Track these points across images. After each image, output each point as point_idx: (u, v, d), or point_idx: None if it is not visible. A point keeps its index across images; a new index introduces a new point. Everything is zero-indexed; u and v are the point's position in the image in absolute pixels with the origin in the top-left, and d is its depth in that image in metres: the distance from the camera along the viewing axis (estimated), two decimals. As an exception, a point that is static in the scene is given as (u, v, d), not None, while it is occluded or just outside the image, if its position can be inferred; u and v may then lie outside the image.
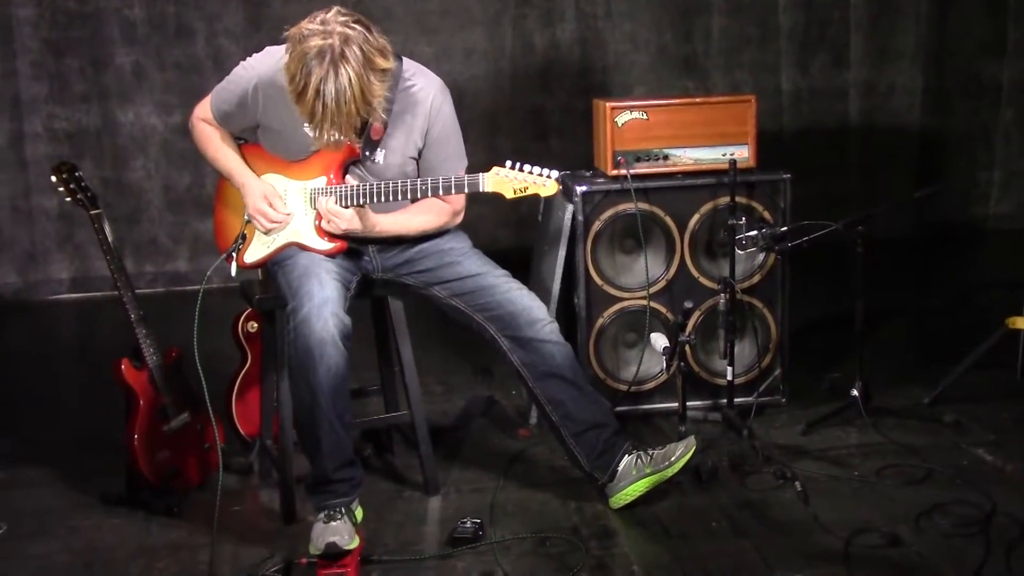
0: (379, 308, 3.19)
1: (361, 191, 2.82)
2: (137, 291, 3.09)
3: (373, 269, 2.98)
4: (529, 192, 2.73)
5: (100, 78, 5.29)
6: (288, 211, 2.88)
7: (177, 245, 5.47)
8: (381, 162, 2.89)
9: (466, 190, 2.79)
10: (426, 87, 2.89)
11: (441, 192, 2.80)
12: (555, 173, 2.71)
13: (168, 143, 5.38)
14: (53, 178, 3.05)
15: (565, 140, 5.52)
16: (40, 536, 2.94)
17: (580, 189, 3.43)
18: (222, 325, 3.34)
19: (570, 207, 3.44)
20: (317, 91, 2.59)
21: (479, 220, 5.20)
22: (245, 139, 3.04)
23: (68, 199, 3.05)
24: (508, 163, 2.74)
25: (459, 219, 3.01)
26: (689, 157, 3.46)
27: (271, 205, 2.87)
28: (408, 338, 3.06)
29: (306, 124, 2.71)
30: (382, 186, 2.80)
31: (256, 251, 2.96)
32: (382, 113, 2.74)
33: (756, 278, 3.52)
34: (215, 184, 3.11)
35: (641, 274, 3.47)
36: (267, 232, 2.91)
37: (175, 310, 4.37)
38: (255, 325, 3.31)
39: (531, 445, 3.39)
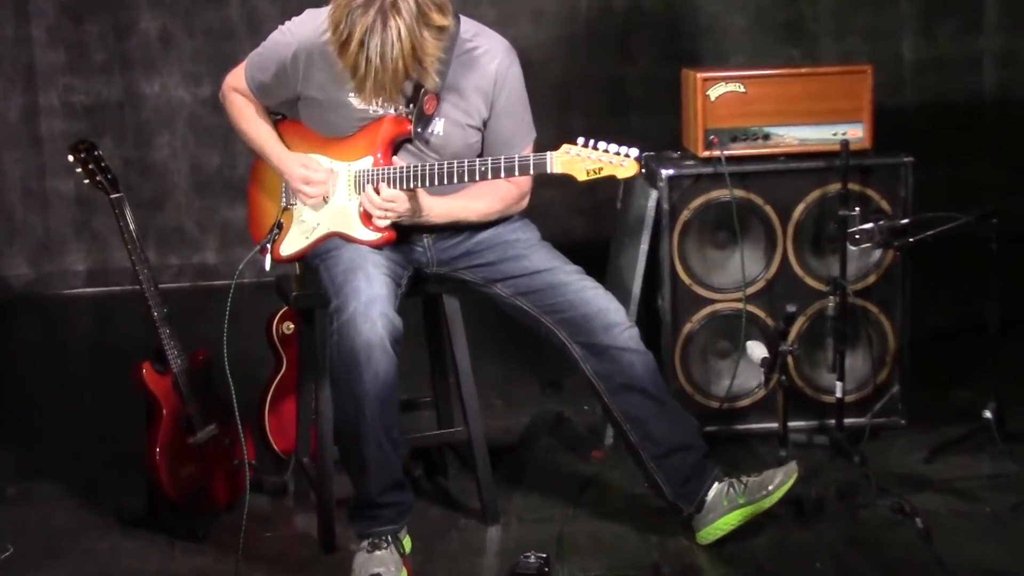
0: (432, 307, 3.19)
1: (411, 173, 2.82)
2: (161, 285, 3.12)
3: (427, 262, 2.99)
4: (604, 173, 2.71)
5: (122, 46, 5.39)
6: (328, 167, 2.89)
7: (205, 234, 5.54)
8: (440, 133, 2.90)
9: (531, 171, 2.78)
10: (491, 49, 2.89)
11: (503, 174, 2.80)
12: (635, 151, 2.70)
13: (197, 118, 5.46)
14: (70, 157, 3.11)
15: (648, 116, 5.48)
16: (50, 559, 2.99)
17: (666, 173, 3.41)
18: (255, 325, 3.38)
19: (654, 193, 3.42)
20: (361, 43, 2.62)
21: (548, 207, 5.19)
22: (283, 115, 3.06)
23: (86, 181, 3.11)
24: (580, 140, 2.73)
25: (525, 203, 3.01)
26: (794, 137, 3.42)
27: (308, 168, 2.89)
28: (465, 343, 3.06)
29: (350, 84, 2.72)
30: (435, 168, 2.81)
31: (294, 242, 2.99)
32: (435, 75, 2.74)
33: (871, 278, 3.47)
34: (249, 165, 3.14)
35: (736, 272, 3.44)
36: (311, 202, 2.92)
37: (203, 307, 4.43)
38: (292, 326, 3.34)
39: (605, 469, 3.37)
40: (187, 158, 5.49)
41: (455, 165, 2.81)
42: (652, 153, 3.55)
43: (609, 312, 2.88)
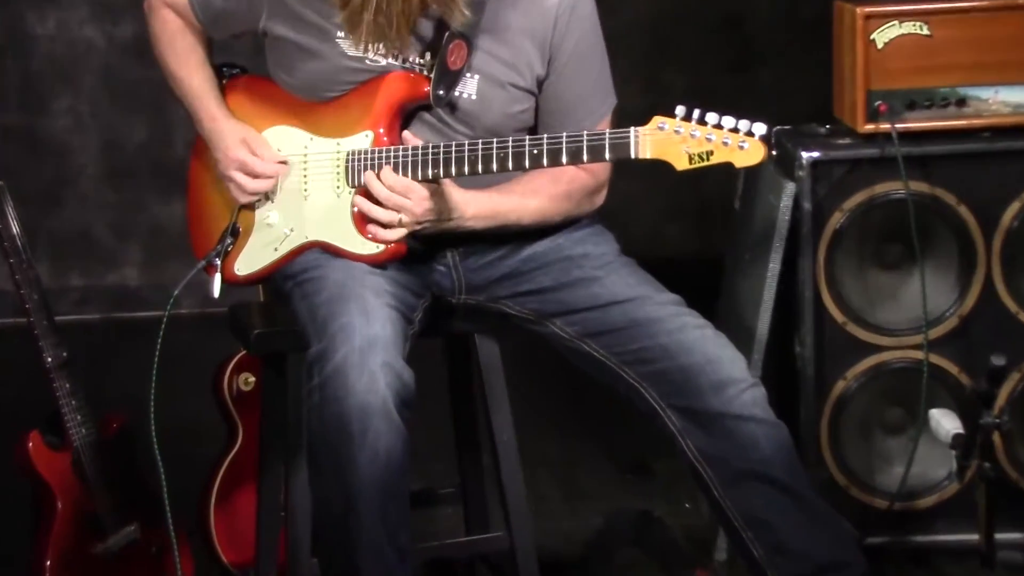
0: (460, 353, 3.21)
1: (432, 156, 2.84)
2: (58, 318, 3.16)
3: (452, 288, 3.01)
4: (715, 160, 2.72)
5: (4, -37, 5.48)
6: (282, 158, 2.92)
7: (125, 242, 5.60)
8: (472, 96, 2.92)
9: (608, 156, 2.79)
10: (550, -26, 2.92)
11: (566, 158, 2.81)
12: (761, 128, 2.70)
13: (112, 71, 5.52)
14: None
15: (781, 73, 5.52)
16: None
17: (808, 157, 3.43)
18: (198, 378, 3.40)
19: (790, 187, 3.43)
20: None
21: (630, 207, 5.20)
22: (239, 68, 3.09)
23: (-49, 163, 3.16)
24: (680, 110, 2.74)
25: (601, 199, 3.03)
26: (1003, 103, 3.43)
27: (253, 151, 2.93)
28: (507, 405, 3.08)
29: (338, 15, 2.76)
30: (467, 149, 2.82)
31: (256, 255, 3.01)
32: (465, 7, 2.76)
33: (1120, 317, 3.47)
34: (191, 140, 3.17)
35: (915, 306, 3.45)
36: (250, 204, 2.95)
37: (120, 351, 4.47)
38: (252, 380, 3.37)
39: (715, 597, 3.39)
40: (98, 129, 5.55)
41: (495, 146, 2.82)
42: (787, 128, 3.57)
43: (722, 363, 2.88)
